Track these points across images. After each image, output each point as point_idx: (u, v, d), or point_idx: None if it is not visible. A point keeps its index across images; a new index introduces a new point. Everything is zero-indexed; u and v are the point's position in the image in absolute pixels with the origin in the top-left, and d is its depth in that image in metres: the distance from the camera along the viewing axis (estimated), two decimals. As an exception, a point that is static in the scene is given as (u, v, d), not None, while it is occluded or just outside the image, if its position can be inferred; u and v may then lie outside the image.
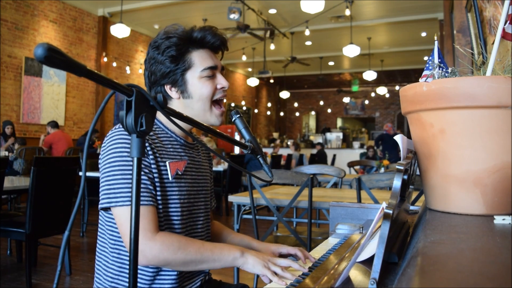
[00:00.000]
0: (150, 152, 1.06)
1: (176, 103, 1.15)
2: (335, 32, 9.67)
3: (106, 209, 1.06)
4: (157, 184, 1.07)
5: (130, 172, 1.01)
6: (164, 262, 1.01)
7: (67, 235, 0.63)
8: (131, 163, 1.02)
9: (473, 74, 0.81)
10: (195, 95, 1.13)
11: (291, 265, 1.03)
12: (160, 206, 1.07)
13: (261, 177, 1.18)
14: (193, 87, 1.12)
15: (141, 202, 1.00)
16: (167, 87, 1.13)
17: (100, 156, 1.08)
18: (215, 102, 1.16)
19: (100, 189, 1.04)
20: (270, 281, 1.00)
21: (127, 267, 1.07)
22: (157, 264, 1.02)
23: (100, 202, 1.03)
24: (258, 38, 8.16)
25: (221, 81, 1.15)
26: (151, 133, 1.10)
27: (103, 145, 1.08)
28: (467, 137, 0.72)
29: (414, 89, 0.79)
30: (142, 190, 1.02)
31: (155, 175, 1.06)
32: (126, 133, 1.04)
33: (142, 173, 1.03)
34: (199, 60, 1.13)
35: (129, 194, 0.99)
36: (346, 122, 17.70)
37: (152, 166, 1.06)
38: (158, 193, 1.07)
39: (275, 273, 1.01)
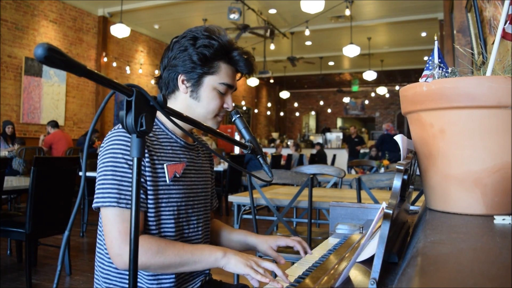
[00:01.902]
0: (146, 154, 1.06)
1: (182, 97, 1.15)
2: (335, 32, 9.67)
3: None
4: (152, 187, 1.06)
5: (121, 173, 1.01)
6: (143, 266, 1.00)
7: (67, 235, 0.63)
8: (123, 164, 1.02)
9: (473, 74, 0.81)
10: (202, 101, 1.13)
11: (274, 270, 1.01)
12: (154, 210, 1.06)
13: (261, 177, 1.18)
14: (205, 93, 1.12)
15: (128, 206, 1.00)
16: (180, 77, 1.12)
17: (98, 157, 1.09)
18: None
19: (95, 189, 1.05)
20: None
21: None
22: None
23: (93, 202, 1.04)
24: (261, 36, 8.15)
25: (228, 102, 1.16)
26: (150, 134, 1.09)
27: (101, 146, 1.08)
28: (467, 137, 0.72)
29: (414, 89, 0.79)
30: (130, 192, 1.02)
31: (149, 178, 1.06)
32: (124, 134, 1.04)
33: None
34: (224, 73, 1.13)
35: (116, 195, 1.00)
36: (346, 122, 17.69)
37: (147, 168, 1.05)
38: (152, 196, 1.06)
39: (258, 272, 0.99)
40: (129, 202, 1.01)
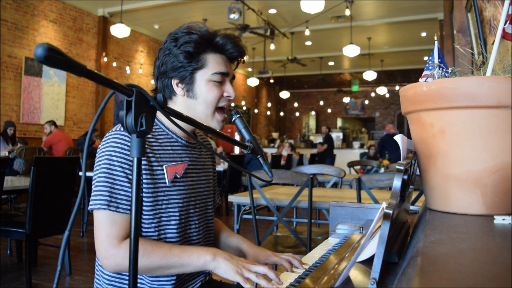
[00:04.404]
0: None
1: (180, 100, 1.14)
2: (335, 32, 9.67)
3: None
4: (150, 189, 1.05)
5: (114, 176, 1.01)
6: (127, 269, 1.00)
7: (67, 235, 0.63)
8: (117, 167, 1.02)
9: (473, 74, 0.81)
10: (200, 97, 1.12)
11: (266, 273, 0.99)
12: (153, 212, 1.06)
13: (261, 177, 1.18)
14: (200, 88, 1.11)
15: (118, 210, 1.00)
16: (174, 82, 1.12)
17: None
18: (218, 108, 1.14)
19: None
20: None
21: (127, 267, 1.07)
22: (122, 271, 1.01)
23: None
24: (261, 35, 8.14)
25: (228, 90, 1.14)
26: (149, 135, 1.09)
27: (98, 147, 1.08)
28: (467, 137, 0.72)
29: (414, 89, 0.79)
30: (122, 197, 1.01)
31: (145, 180, 1.05)
32: (121, 136, 1.03)
33: (127, 180, 1.02)
34: (213, 63, 1.11)
35: (107, 198, 1.00)
36: (346, 122, 17.69)
37: (143, 171, 1.05)
38: (150, 199, 1.05)
39: (248, 279, 0.97)
40: (120, 205, 1.00)
